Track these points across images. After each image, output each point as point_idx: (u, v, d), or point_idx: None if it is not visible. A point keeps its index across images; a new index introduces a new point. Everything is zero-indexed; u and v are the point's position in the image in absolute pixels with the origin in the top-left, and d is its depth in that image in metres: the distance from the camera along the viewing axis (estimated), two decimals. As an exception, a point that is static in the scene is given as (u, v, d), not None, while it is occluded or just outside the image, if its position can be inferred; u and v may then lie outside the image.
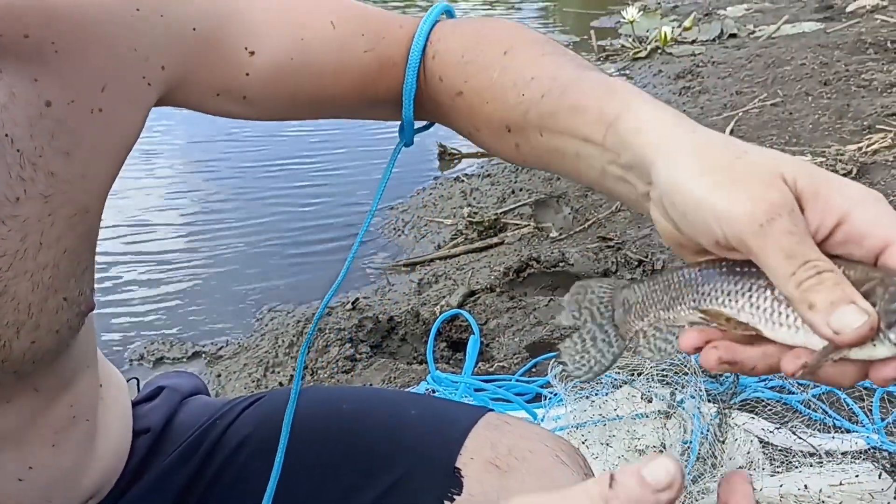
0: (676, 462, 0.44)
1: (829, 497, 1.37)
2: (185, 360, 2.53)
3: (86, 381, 0.88)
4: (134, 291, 2.98)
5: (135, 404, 1.09)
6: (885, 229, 0.50)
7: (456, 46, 0.80)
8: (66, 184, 0.68)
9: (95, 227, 0.75)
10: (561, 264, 2.73)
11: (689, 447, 1.58)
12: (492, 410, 1.01)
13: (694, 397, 1.65)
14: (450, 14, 0.87)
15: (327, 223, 3.50)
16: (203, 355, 2.56)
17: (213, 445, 1.05)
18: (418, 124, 0.88)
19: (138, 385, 1.29)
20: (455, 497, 0.90)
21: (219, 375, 2.41)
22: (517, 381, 2.01)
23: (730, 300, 0.53)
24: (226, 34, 0.77)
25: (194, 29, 0.75)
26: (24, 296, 0.67)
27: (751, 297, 0.52)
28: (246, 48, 0.78)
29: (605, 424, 1.59)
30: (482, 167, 4.00)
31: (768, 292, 0.52)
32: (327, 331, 2.48)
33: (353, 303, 2.72)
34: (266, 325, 2.71)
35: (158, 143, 4.50)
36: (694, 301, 0.54)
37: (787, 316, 0.51)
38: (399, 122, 0.87)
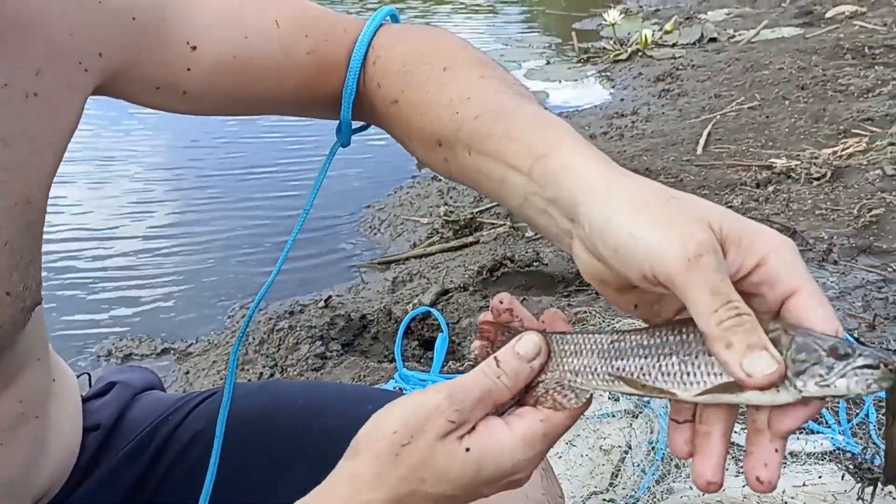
0: (540, 336, 0.60)
1: (792, 498, 1.37)
2: (153, 356, 2.50)
3: (35, 377, 0.86)
4: (104, 287, 2.94)
5: (85, 400, 1.06)
6: (796, 277, 0.54)
7: (398, 55, 0.81)
8: (4, 172, 0.66)
9: (39, 219, 0.72)
10: (535, 264, 2.72)
11: (654, 447, 1.57)
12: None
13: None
14: (394, 19, 0.88)
15: (293, 221, 3.48)
16: (172, 352, 2.53)
17: (165, 441, 1.03)
18: (356, 124, 0.87)
19: (90, 380, 1.27)
20: (413, 496, 0.89)
21: (187, 372, 2.38)
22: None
23: (643, 372, 0.56)
24: (168, 27, 0.76)
25: (134, 18, 0.73)
26: None
27: (660, 366, 0.55)
28: (188, 43, 0.77)
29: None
30: (460, 166, 3.98)
31: (674, 358, 0.55)
32: (298, 328, 2.46)
33: (325, 300, 2.70)
34: (237, 323, 2.68)
35: (133, 142, 4.46)
36: (608, 371, 0.57)
37: (696, 374, 0.54)
38: (337, 122, 0.86)
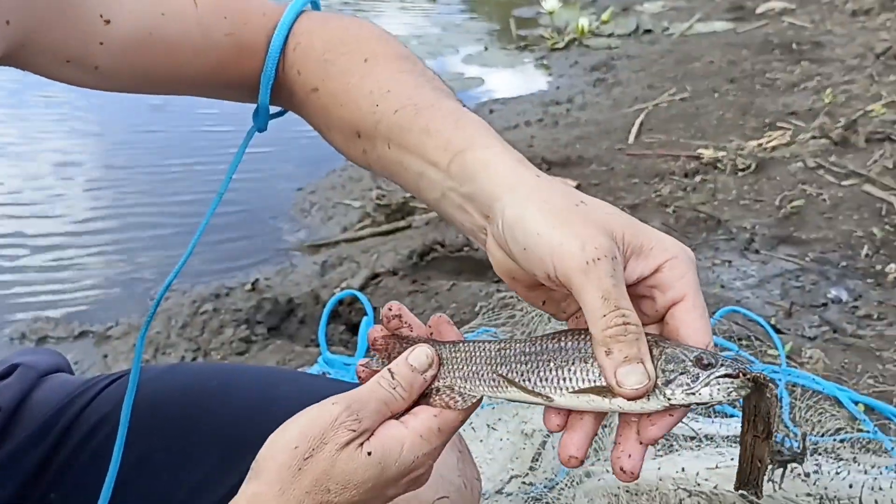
0: (431, 348, 0.62)
1: (705, 479, 1.40)
2: (70, 339, 2.42)
3: None
4: (18, 268, 2.83)
5: (-13, 383, 1.02)
6: (685, 287, 0.57)
7: (318, 43, 0.80)
8: None
9: None
10: (465, 249, 2.73)
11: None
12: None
13: (583, 382, 1.65)
14: (315, 6, 0.86)
15: (230, 205, 3.41)
16: (91, 335, 2.45)
17: (70, 425, 0.99)
18: (273, 110, 0.87)
19: (-8, 364, 1.22)
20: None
21: (105, 356, 2.31)
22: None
23: (524, 378, 0.59)
24: (80, 1, 0.73)
25: None
26: None
27: (539, 371, 0.59)
28: (101, 16, 0.74)
29: (493, 408, 1.59)
30: (395, 150, 3.95)
31: (552, 364, 0.58)
32: (223, 311, 2.41)
33: (252, 283, 2.65)
34: (160, 306, 2.61)
35: (51, 123, 4.30)
36: (493, 377, 0.61)
37: (572, 379, 0.57)
38: (254, 106, 0.86)
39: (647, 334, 0.56)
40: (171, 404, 0.97)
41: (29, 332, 2.43)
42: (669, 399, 0.54)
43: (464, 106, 0.74)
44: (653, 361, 0.55)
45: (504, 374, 0.60)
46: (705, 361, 0.54)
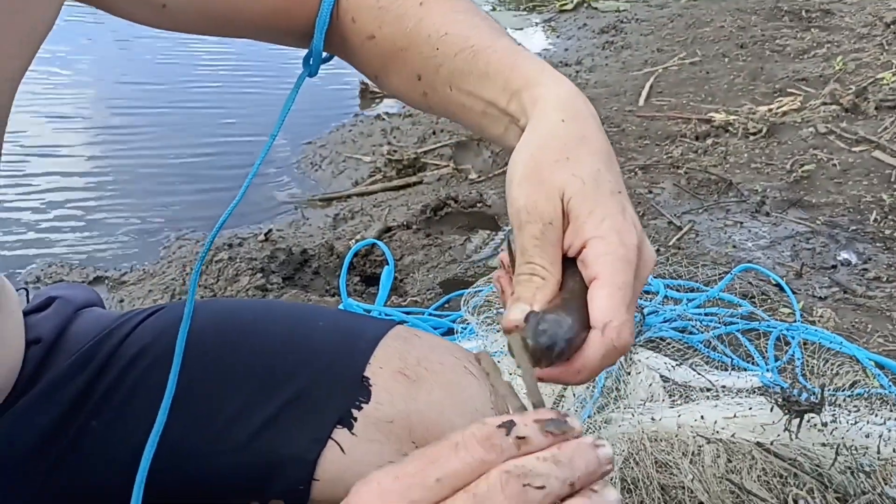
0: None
1: (723, 428, 1.43)
2: (85, 284, 2.42)
3: None
4: (33, 212, 2.83)
5: (25, 314, 1.03)
6: (600, 267, 0.56)
7: None
8: None
9: (3, 117, 0.70)
10: (478, 205, 2.73)
11: (594, 381, 1.62)
12: (401, 324, 0.99)
13: (602, 333, 1.68)
14: None
15: (238, 153, 3.41)
16: (106, 280, 2.46)
17: (109, 356, 1.00)
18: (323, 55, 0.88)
19: (27, 296, 1.23)
20: (363, 405, 0.89)
21: (121, 301, 2.32)
22: (430, 314, 2.01)
23: None
24: None
25: None
26: None
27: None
28: None
29: (514, 355, 1.61)
30: (404, 107, 3.95)
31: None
32: (238, 260, 2.42)
33: (265, 234, 2.65)
34: (174, 253, 2.62)
35: (65, 62, 4.26)
36: None
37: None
38: (305, 51, 0.87)
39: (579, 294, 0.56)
40: (208, 336, 0.98)
41: (44, 277, 2.44)
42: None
43: (517, 43, 0.75)
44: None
45: None
46: (528, 318, 0.54)
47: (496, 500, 0.39)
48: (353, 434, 0.88)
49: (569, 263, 0.58)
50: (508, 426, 0.42)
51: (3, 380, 0.92)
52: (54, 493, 0.92)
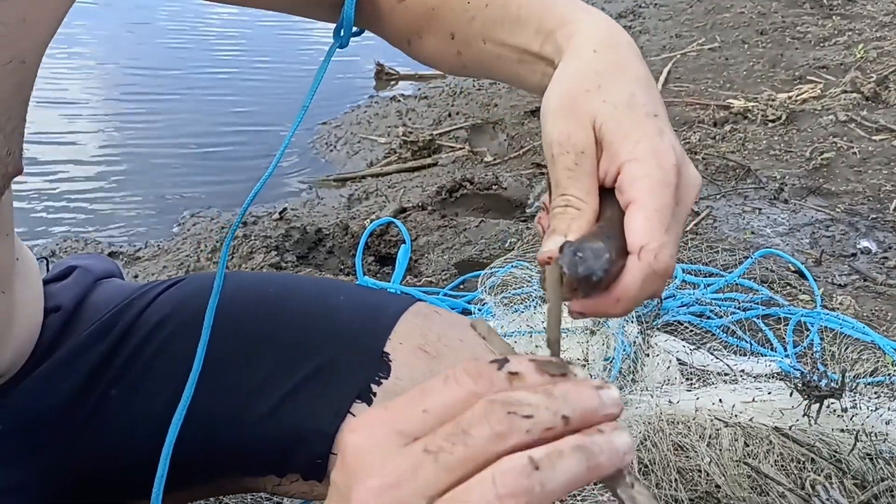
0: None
1: (741, 412, 1.42)
2: (94, 254, 2.42)
3: (4, 253, 0.83)
4: (48, 186, 2.83)
5: (45, 283, 1.04)
6: (635, 190, 0.54)
7: None
8: (4, 26, 0.62)
9: (30, 82, 0.69)
10: (494, 187, 2.72)
11: (610, 363, 1.61)
12: (421, 301, 0.99)
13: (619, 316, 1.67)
14: None
15: (253, 129, 3.40)
16: (120, 255, 2.46)
17: (130, 325, 1.00)
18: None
19: (47, 265, 1.23)
20: (382, 380, 0.89)
21: (136, 276, 2.32)
22: (445, 295, 2.00)
23: None
24: None
25: None
26: None
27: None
28: None
29: (531, 336, 1.60)
30: (419, 89, 3.93)
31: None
32: (253, 238, 2.41)
33: (280, 213, 2.65)
34: (188, 230, 2.62)
35: (81, 37, 4.26)
36: None
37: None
38: (334, 24, 0.85)
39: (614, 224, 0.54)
40: (234, 307, 0.98)
41: (59, 251, 2.44)
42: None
43: None
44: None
45: None
46: (563, 248, 0.51)
47: (480, 427, 0.38)
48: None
49: (606, 195, 0.56)
50: (501, 362, 0.40)
51: (21, 346, 0.93)
52: (80, 458, 0.92)
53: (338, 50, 0.87)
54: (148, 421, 0.92)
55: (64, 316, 1.01)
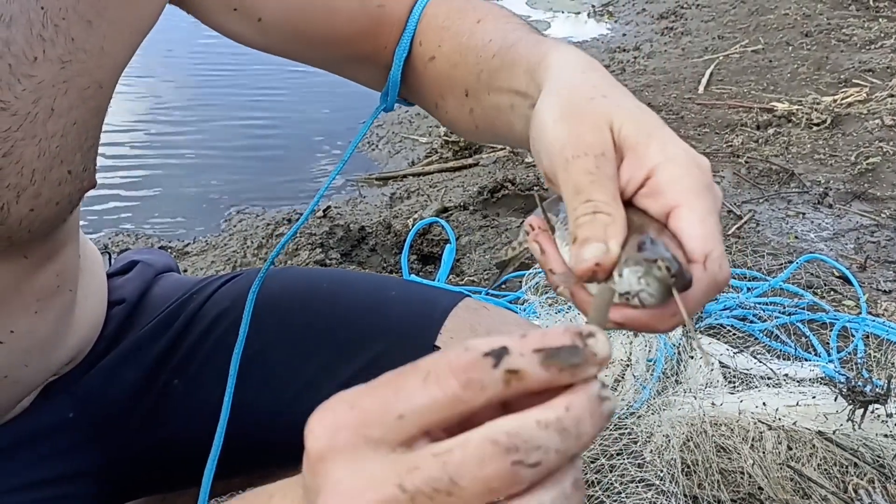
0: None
1: (784, 416, 1.42)
2: (153, 249, 2.49)
3: (71, 252, 0.87)
4: (101, 182, 2.89)
5: (108, 276, 1.08)
6: (678, 191, 0.49)
7: (440, 12, 0.82)
8: (84, 53, 0.67)
9: (106, 104, 0.74)
10: (535, 188, 2.73)
11: (653, 365, 1.62)
12: (470, 296, 1.01)
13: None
14: None
15: (299, 129, 3.46)
16: (170, 250, 2.53)
17: (191, 318, 1.04)
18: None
19: (110, 259, 1.27)
20: (434, 375, 0.91)
21: (185, 270, 2.38)
22: (487, 294, 2.03)
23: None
24: None
25: None
26: (30, 160, 0.66)
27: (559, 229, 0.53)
28: None
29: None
30: (460, 90, 3.94)
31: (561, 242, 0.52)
32: (298, 235, 2.46)
33: (324, 210, 2.69)
34: (235, 226, 2.68)
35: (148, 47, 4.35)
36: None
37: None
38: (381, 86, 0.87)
39: (655, 226, 0.48)
40: (284, 302, 1.01)
41: (111, 245, 2.51)
42: (614, 285, 0.45)
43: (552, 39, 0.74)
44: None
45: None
46: (647, 250, 0.45)
47: (473, 480, 0.32)
48: None
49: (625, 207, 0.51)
50: (498, 355, 0.33)
51: (85, 336, 0.97)
52: (143, 445, 0.96)
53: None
54: (208, 411, 0.95)
55: (127, 308, 1.05)
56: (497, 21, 0.77)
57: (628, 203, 0.51)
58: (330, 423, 0.36)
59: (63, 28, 0.64)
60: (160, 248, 2.50)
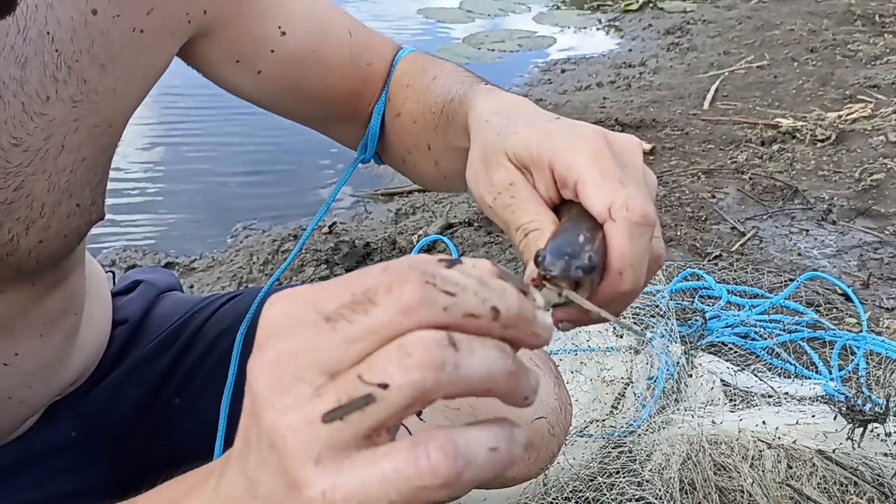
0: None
1: (784, 434, 1.42)
2: (157, 268, 2.51)
3: (77, 277, 0.89)
4: (108, 200, 2.93)
5: (112, 296, 1.10)
6: (575, 170, 0.52)
7: (407, 70, 0.88)
8: (96, 94, 0.70)
9: (115, 142, 0.77)
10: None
11: (654, 383, 1.63)
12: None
13: (663, 336, 1.69)
14: None
15: (305, 146, 3.48)
16: (176, 266, 2.55)
17: (193, 336, 1.06)
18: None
19: (113, 278, 1.30)
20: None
21: (191, 287, 2.41)
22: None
23: None
24: (264, 7, 0.81)
25: None
26: (40, 195, 0.68)
27: None
28: (279, 27, 0.82)
29: (576, 354, 1.63)
30: (466, 105, 3.97)
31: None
32: (303, 251, 2.48)
33: (329, 227, 2.71)
34: (241, 242, 2.70)
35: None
36: None
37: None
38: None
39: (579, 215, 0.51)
40: None
41: (119, 261, 2.54)
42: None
43: (487, 84, 0.76)
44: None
45: None
46: (537, 258, 0.47)
47: (387, 296, 0.34)
48: (421, 419, 0.92)
49: (561, 208, 0.54)
50: (452, 262, 0.35)
51: (90, 355, 0.99)
52: (148, 462, 0.98)
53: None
54: (209, 428, 0.97)
55: (130, 328, 1.07)
56: (448, 77, 0.81)
57: (565, 201, 0.54)
58: (290, 296, 0.37)
59: (76, 70, 0.67)
60: (167, 264, 2.53)
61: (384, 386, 0.32)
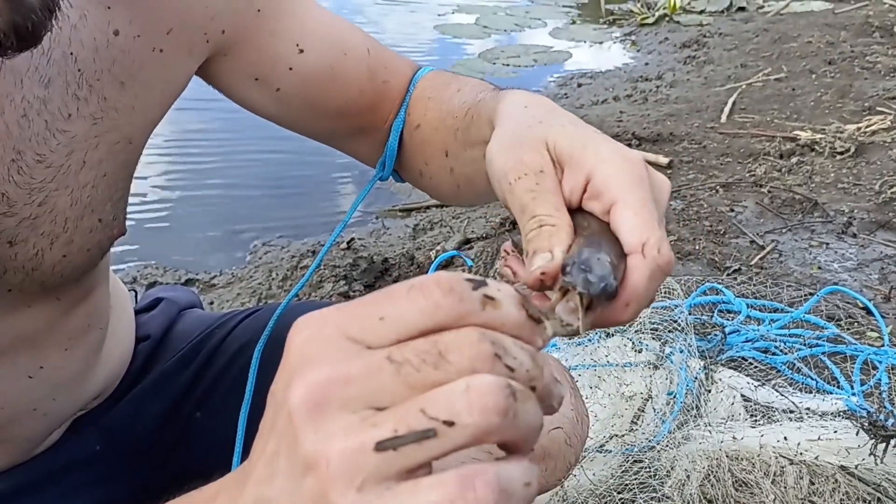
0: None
1: (806, 450, 1.41)
2: (178, 286, 2.53)
3: (102, 293, 0.91)
4: (129, 216, 2.96)
5: (135, 313, 1.11)
6: (615, 189, 0.52)
7: (428, 85, 0.89)
8: (115, 111, 0.71)
9: (135, 158, 0.78)
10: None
11: (673, 398, 1.62)
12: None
13: (682, 351, 1.68)
14: None
15: (322, 162, 3.50)
16: (196, 283, 2.57)
17: (213, 352, 1.07)
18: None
19: (135, 296, 1.32)
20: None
21: (211, 303, 2.42)
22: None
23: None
24: (282, 26, 0.82)
25: (259, 10, 0.80)
26: (63, 210, 0.70)
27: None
28: (297, 45, 0.83)
29: (595, 369, 1.63)
30: (483, 121, 3.98)
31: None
32: (322, 267, 2.49)
33: (347, 242, 2.73)
34: (260, 259, 2.72)
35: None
36: None
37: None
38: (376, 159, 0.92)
39: (597, 226, 0.52)
40: None
41: (140, 277, 2.56)
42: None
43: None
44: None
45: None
46: (580, 259, 0.47)
47: (460, 356, 0.34)
48: None
49: (575, 214, 0.53)
50: (478, 283, 0.35)
51: (114, 371, 1.00)
52: (170, 476, 0.99)
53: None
54: (229, 442, 0.98)
55: (152, 344, 1.09)
56: (473, 88, 0.82)
57: (579, 209, 0.54)
58: (317, 318, 0.36)
59: (97, 88, 0.68)
60: (187, 280, 2.55)
61: (450, 423, 0.33)
